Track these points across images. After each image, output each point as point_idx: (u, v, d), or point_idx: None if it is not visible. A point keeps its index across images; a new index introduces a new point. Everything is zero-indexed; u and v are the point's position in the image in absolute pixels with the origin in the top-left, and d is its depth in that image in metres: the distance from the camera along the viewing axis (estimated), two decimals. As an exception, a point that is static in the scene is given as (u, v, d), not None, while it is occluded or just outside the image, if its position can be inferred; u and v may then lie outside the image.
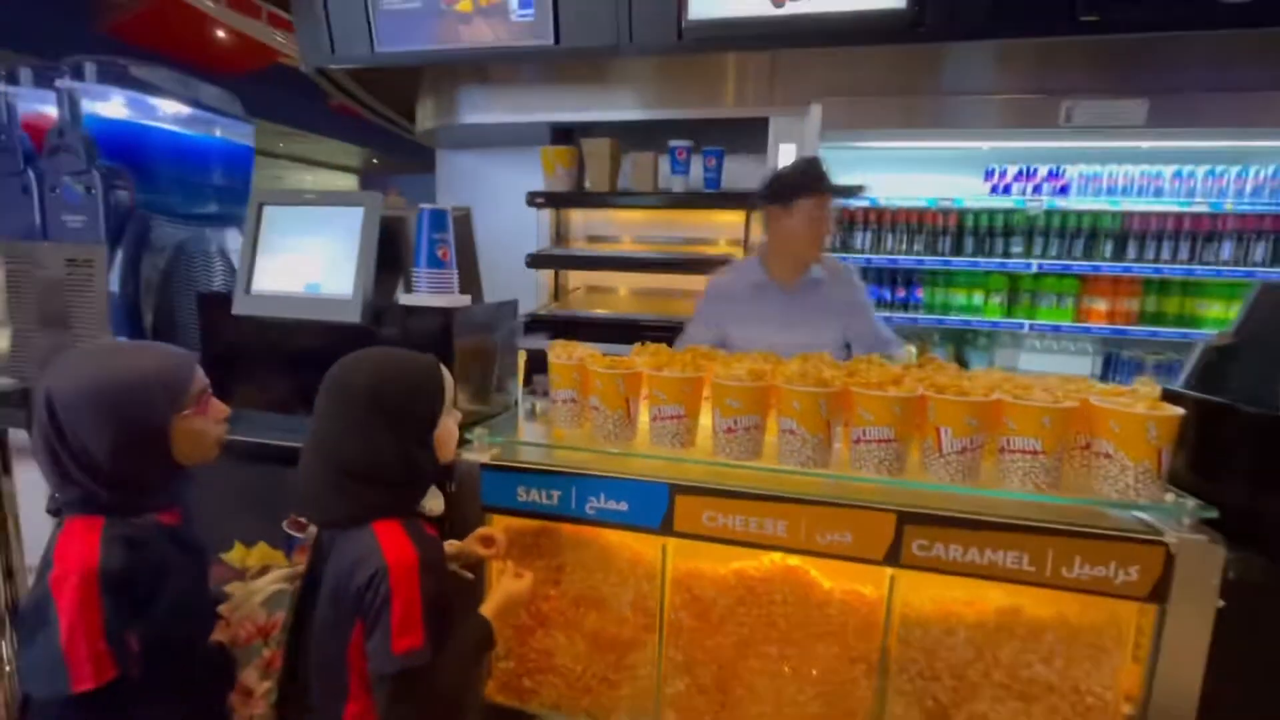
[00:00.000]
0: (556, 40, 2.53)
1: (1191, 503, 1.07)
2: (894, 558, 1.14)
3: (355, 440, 0.96)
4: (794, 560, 1.26)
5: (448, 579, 1.05)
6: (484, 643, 1.09)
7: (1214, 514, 1.06)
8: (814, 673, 1.26)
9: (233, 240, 1.88)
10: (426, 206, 1.39)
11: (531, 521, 1.37)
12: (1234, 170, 2.77)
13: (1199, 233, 2.83)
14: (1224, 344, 1.28)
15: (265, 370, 1.49)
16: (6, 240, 1.67)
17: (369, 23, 2.69)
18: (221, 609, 1.10)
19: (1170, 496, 1.09)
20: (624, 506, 1.27)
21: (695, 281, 3.36)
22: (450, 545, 1.24)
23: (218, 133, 1.95)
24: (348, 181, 16.64)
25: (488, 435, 1.37)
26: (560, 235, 3.56)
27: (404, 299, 1.44)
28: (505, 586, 1.18)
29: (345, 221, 1.43)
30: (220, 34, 7.42)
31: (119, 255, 1.62)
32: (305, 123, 10.82)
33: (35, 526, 1.69)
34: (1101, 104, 2.46)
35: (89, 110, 1.63)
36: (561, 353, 1.40)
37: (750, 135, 2.90)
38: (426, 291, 1.41)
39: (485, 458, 1.33)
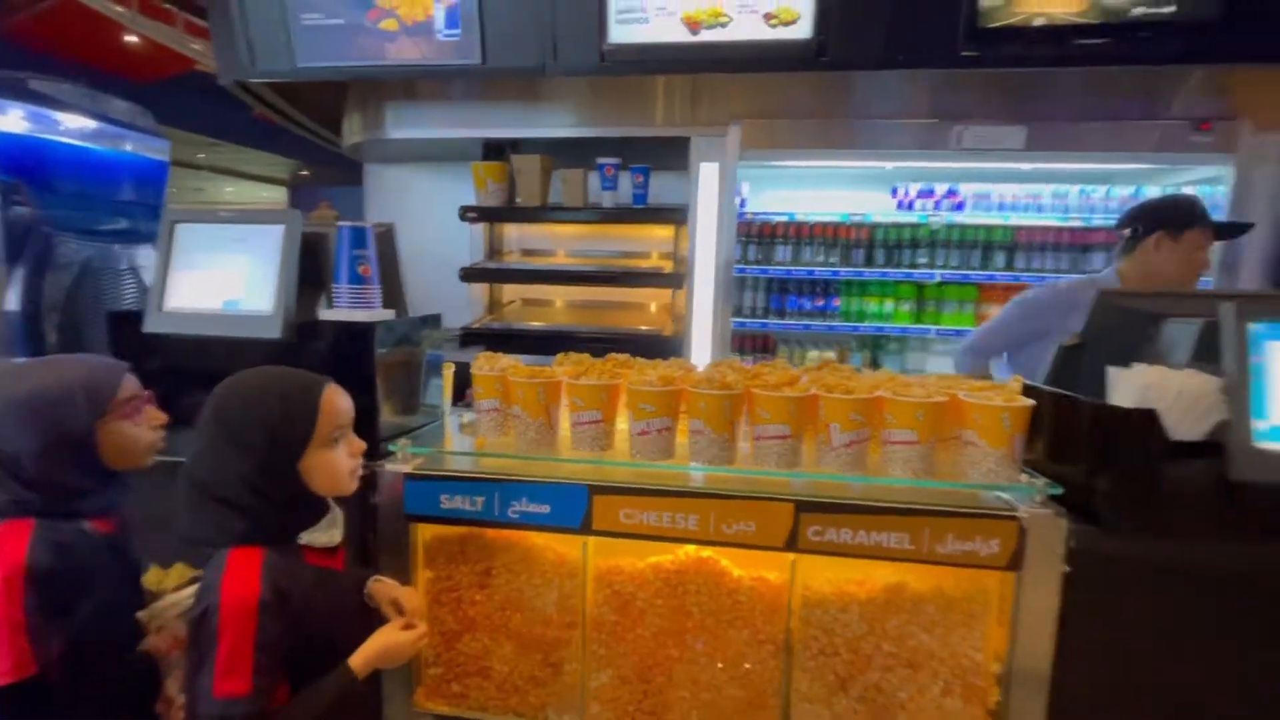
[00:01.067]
0: (483, 60, 2.59)
1: (1041, 482, 1.23)
2: (793, 544, 1.25)
3: (206, 457, 0.96)
4: (706, 552, 1.35)
5: (316, 613, 1.00)
6: (344, 695, 1.01)
7: (1059, 491, 1.22)
8: (727, 656, 1.35)
9: (144, 257, 1.84)
10: (346, 224, 1.43)
11: (457, 528, 1.41)
12: (1102, 189, 3.10)
13: (1076, 245, 3.15)
14: (1073, 344, 1.46)
15: (180, 388, 1.47)
16: (-111, 258, 1.59)
17: (289, 36, 2.67)
18: (140, 615, 1.10)
19: (1024, 478, 1.25)
20: (545, 509, 1.33)
21: (629, 294, 3.48)
22: (375, 584, 1.23)
23: (128, 147, 1.91)
24: (275, 193, 15.98)
25: (410, 446, 1.41)
26: (494, 249, 3.59)
27: (325, 314, 1.46)
28: (385, 637, 1.09)
29: (265, 239, 1.44)
30: (131, 39, 7.06)
31: (18, 272, 1.56)
32: (228, 133, 10.37)
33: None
34: (986, 130, 2.72)
35: (-14, 124, 1.57)
36: (484, 364, 1.45)
37: (675, 153, 3.03)
38: (347, 306, 1.44)
39: (408, 468, 1.37)
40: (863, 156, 2.91)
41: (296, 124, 3.63)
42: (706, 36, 2.46)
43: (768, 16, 2.42)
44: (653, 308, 3.50)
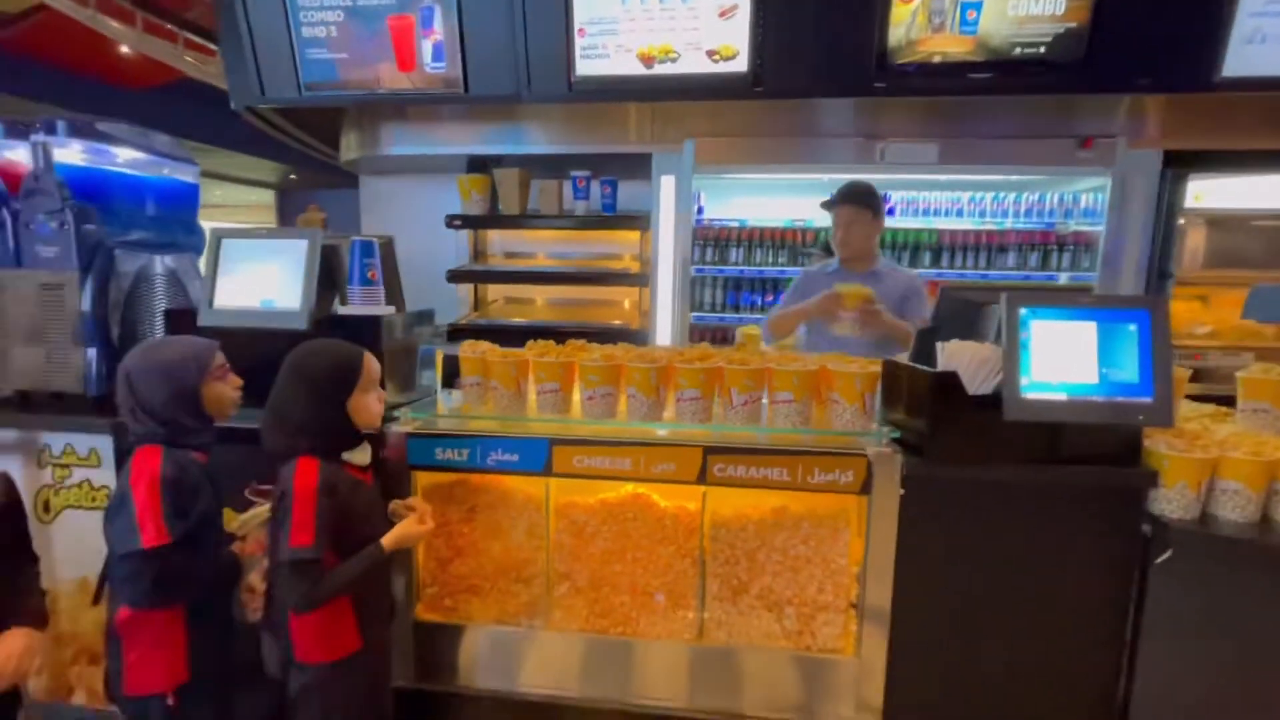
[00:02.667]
0: (466, 89, 2.97)
1: (886, 429, 1.65)
2: (703, 478, 1.66)
3: (284, 396, 1.37)
4: (641, 489, 1.76)
5: (355, 507, 1.38)
6: (374, 563, 1.38)
7: (897, 435, 1.64)
8: (657, 569, 1.75)
9: (176, 263, 2.20)
10: (358, 238, 1.82)
11: (449, 475, 1.80)
12: (1013, 195, 3.53)
13: (992, 245, 3.58)
14: (926, 328, 1.88)
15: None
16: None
17: (295, 67, 3.04)
18: (233, 527, 1.50)
19: (874, 426, 1.67)
20: (516, 458, 1.73)
21: (602, 292, 3.89)
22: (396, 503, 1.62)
23: (166, 172, 2.28)
24: (264, 196, 16.17)
25: (411, 412, 1.81)
26: (479, 252, 3.98)
27: (341, 310, 1.85)
28: (405, 527, 1.45)
29: (293, 250, 1.83)
30: (124, 50, 7.32)
31: (89, 281, 1.93)
32: (218, 139, 10.63)
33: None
34: (904, 146, 3.14)
35: (59, 159, 1.94)
36: (469, 350, 1.85)
37: (638, 166, 3.43)
38: (360, 304, 1.83)
39: (410, 428, 1.76)
40: (800, 169, 3.33)
41: (298, 140, 3.99)
42: (659, 70, 2.85)
43: (710, 53, 2.82)
44: (625, 304, 3.90)
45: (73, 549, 1.96)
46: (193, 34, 6.18)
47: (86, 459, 1.92)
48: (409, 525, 1.46)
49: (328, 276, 1.94)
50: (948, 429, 1.55)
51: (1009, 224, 3.51)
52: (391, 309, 1.91)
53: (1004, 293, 1.53)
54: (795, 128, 3.27)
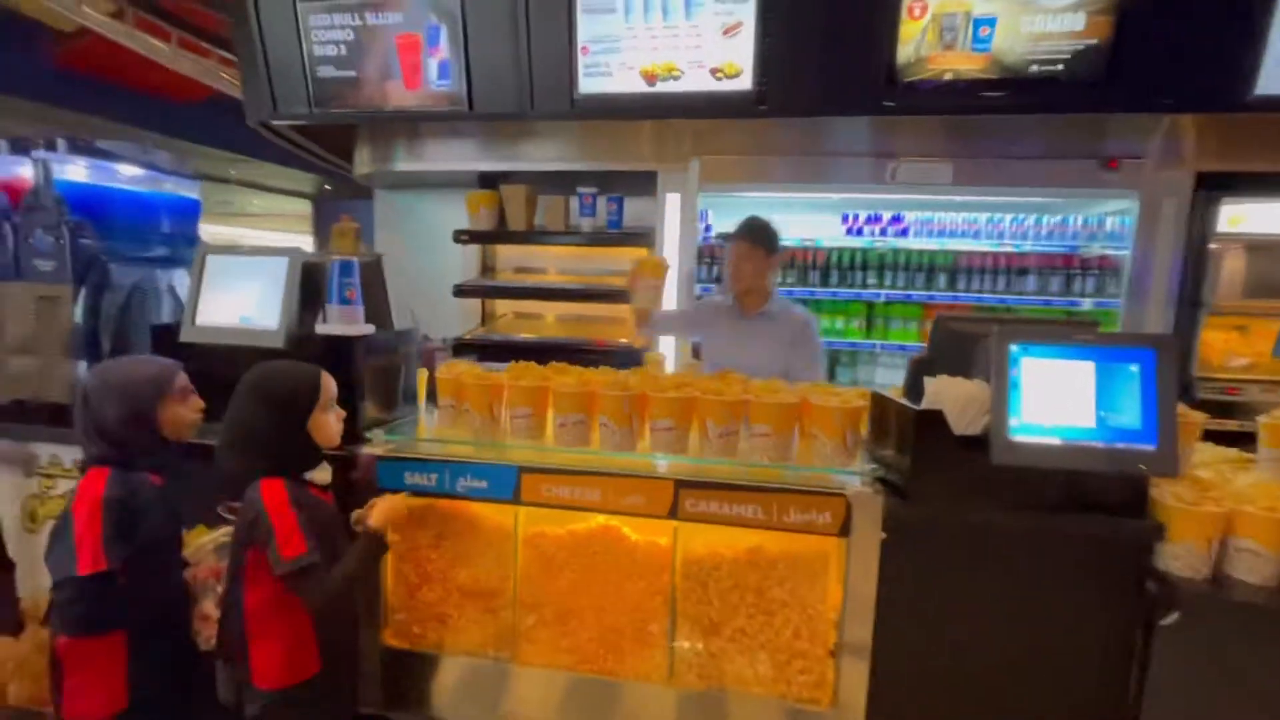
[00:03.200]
0: (470, 106, 2.98)
1: (868, 466, 1.56)
2: (674, 513, 1.59)
3: (242, 418, 1.35)
4: (613, 520, 1.69)
5: (324, 515, 1.40)
6: (374, 545, 1.43)
7: (881, 474, 1.55)
8: (626, 604, 1.68)
9: (179, 279, 2.24)
10: (337, 258, 1.81)
11: (419, 500, 1.76)
12: (1033, 218, 3.39)
13: (1011, 269, 3.44)
14: (920, 359, 1.79)
15: (206, 386, 1.85)
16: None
17: (307, 85, 3.09)
18: (185, 553, 1.48)
19: (857, 463, 1.58)
20: (484, 484, 1.68)
21: (609, 309, 3.84)
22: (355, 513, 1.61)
23: (168, 188, 2.32)
24: (300, 206, 16.64)
25: (383, 434, 1.78)
26: (487, 267, 3.98)
27: (320, 328, 1.84)
28: (383, 503, 1.50)
29: (274, 269, 1.83)
30: (169, 67, 7.65)
31: (83, 293, 1.97)
32: (257, 150, 11.01)
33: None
34: (917, 166, 3.04)
35: (59, 175, 1.99)
36: (446, 370, 1.82)
37: (645, 182, 3.39)
38: (337, 322, 1.82)
39: (380, 451, 1.73)
40: (808, 189, 3.25)
41: (314, 155, 4.07)
42: (662, 88, 2.82)
43: (714, 71, 2.77)
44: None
45: (56, 559, 1.98)
46: (227, 51, 6.39)
47: (70, 471, 1.94)
48: (384, 500, 1.50)
49: (312, 295, 1.94)
50: (932, 470, 1.46)
51: (1029, 246, 3.37)
52: (371, 328, 1.89)
53: (995, 326, 1.43)
54: (804, 146, 3.19)
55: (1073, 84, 2.52)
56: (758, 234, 2.48)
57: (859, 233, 3.57)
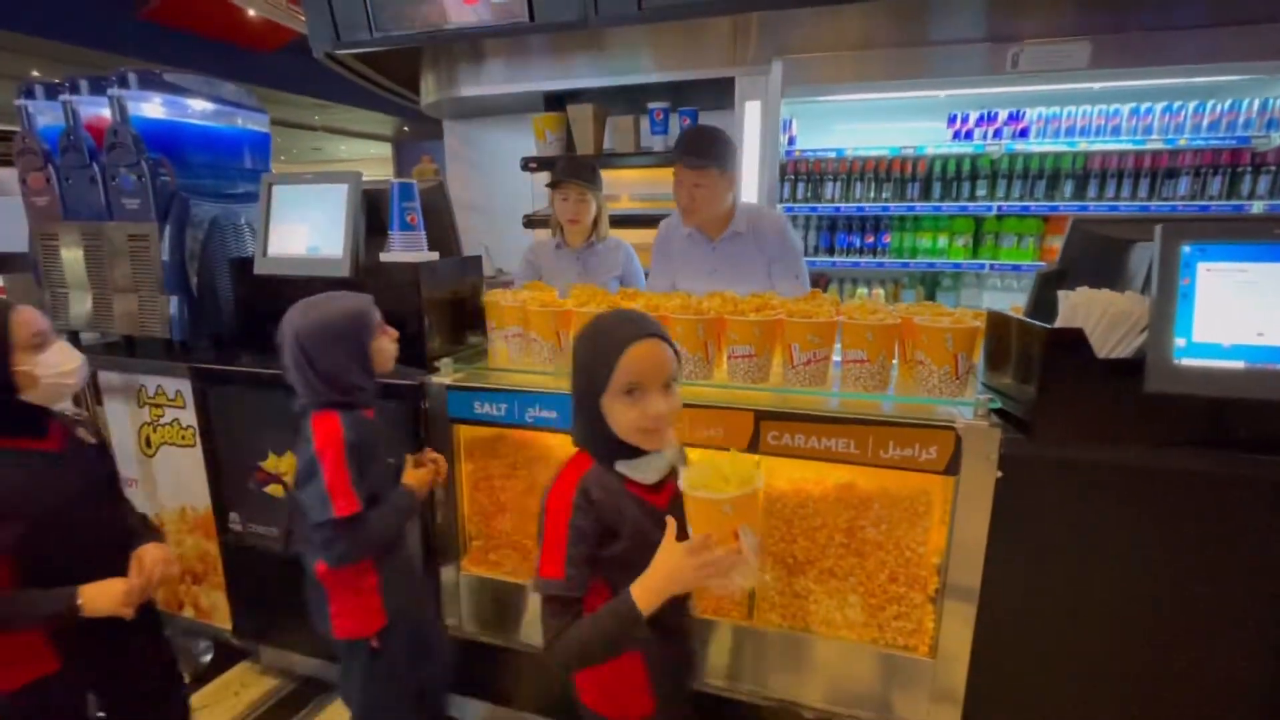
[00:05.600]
0: (531, 17, 2.78)
1: (983, 398, 1.35)
2: (754, 446, 1.45)
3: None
4: (691, 454, 1.58)
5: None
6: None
7: (996, 406, 1.34)
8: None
9: (248, 211, 2.26)
10: (396, 180, 1.73)
11: (492, 429, 1.73)
12: (1192, 105, 2.83)
13: (1157, 170, 2.92)
14: (1050, 271, 1.51)
15: (279, 316, 1.87)
16: (83, 223, 2.10)
17: (366, 8, 2.98)
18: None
19: (969, 393, 1.37)
20: (554, 414, 1.61)
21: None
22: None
23: (239, 122, 2.31)
24: (381, 149, 17.09)
25: (452, 364, 1.73)
26: (558, 196, 3.85)
27: (383, 256, 1.79)
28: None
29: (334, 195, 1.78)
30: (251, 13, 7.81)
31: (167, 230, 2.01)
32: (338, 95, 11.25)
33: (120, 443, 2.16)
34: (1045, 48, 2.57)
35: (135, 112, 2.00)
36: (510, 298, 1.74)
37: (721, 95, 3.10)
38: (400, 250, 1.76)
39: (449, 380, 1.69)
40: (908, 86, 2.84)
41: (381, 88, 4.01)
42: (740, -25, 2.49)
43: (800, -51, 2.41)
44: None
45: (171, 480, 2.14)
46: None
47: (174, 400, 2.04)
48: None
49: (377, 223, 1.89)
50: (1064, 400, 1.23)
51: (1183, 142, 2.83)
52: (434, 255, 1.82)
53: (1159, 225, 1.15)
54: (904, 36, 2.78)
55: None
56: (704, 149, 2.05)
57: (968, 136, 3.13)
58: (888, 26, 2.78)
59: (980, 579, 1.36)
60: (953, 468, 1.33)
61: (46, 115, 2.18)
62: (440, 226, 2.02)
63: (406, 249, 1.76)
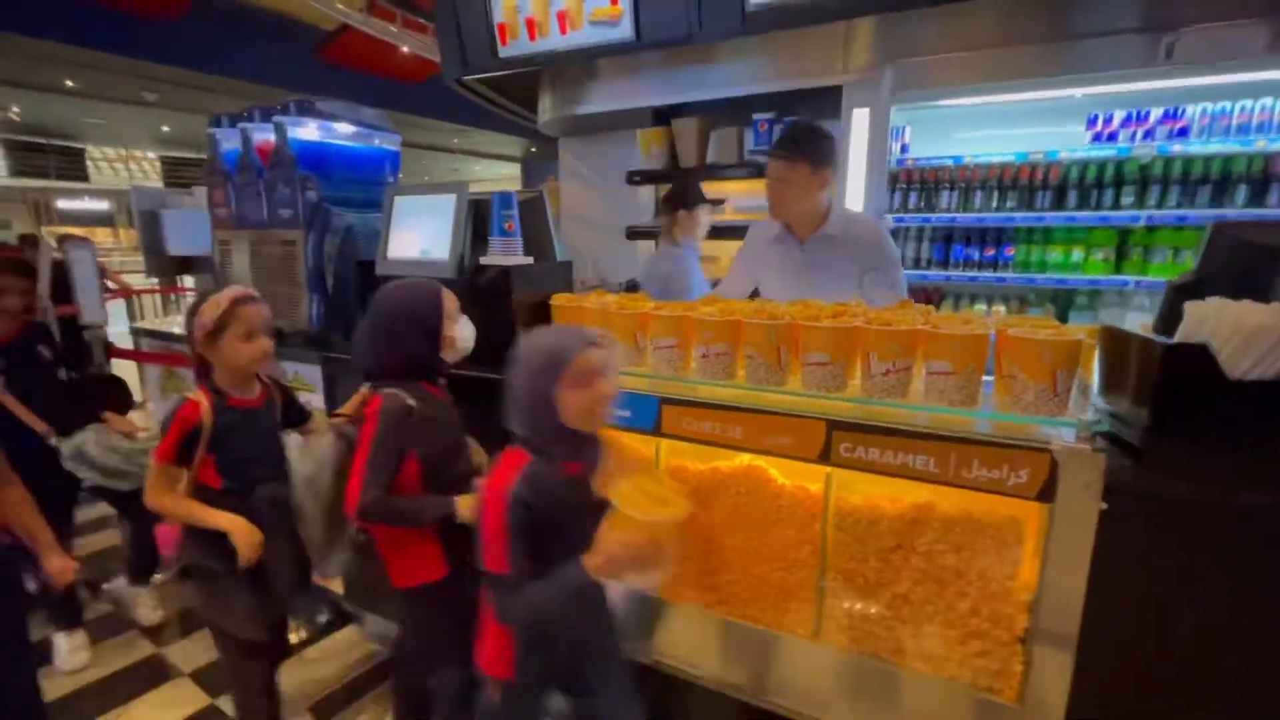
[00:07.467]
0: (638, 37, 2.89)
1: (1088, 419, 1.21)
2: (826, 457, 1.40)
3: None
4: (759, 461, 1.56)
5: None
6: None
7: (1104, 428, 1.19)
8: (772, 551, 1.55)
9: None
10: (497, 191, 1.87)
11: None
12: None
13: (1362, 170, 2.46)
14: (1184, 283, 1.33)
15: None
16: (249, 230, 2.47)
17: (491, 38, 3.25)
18: None
19: (1069, 412, 1.23)
20: (628, 414, 1.65)
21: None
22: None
23: (376, 142, 2.61)
24: (511, 169, 18.36)
25: (538, 361, 1.83)
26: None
27: (483, 260, 1.94)
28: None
29: (444, 205, 1.96)
30: (404, 50, 8.82)
31: (310, 237, 2.32)
32: (472, 120, 12.33)
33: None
34: (1207, 34, 2.26)
35: (292, 135, 2.34)
36: (594, 300, 1.81)
37: (828, 104, 3.02)
38: (498, 254, 1.90)
39: (533, 376, 1.79)
40: (1038, 85, 2.61)
41: (506, 110, 4.33)
42: (845, -18, 2.44)
43: (912, -51, 2.32)
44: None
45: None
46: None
47: (309, 386, 2.33)
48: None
49: (482, 230, 2.05)
50: (1184, 426, 1.08)
51: (1399, 136, 2.36)
52: (528, 259, 1.94)
53: (1314, 225, 0.98)
54: (1032, 32, 2.56)
55: None
56: (798, 145, 2.01)
57: (1112, 138, 2.82)
58: (1012, 23, 2.59)
59: (1079, 624, 1.21)
60: (1046, 494, 1.21)
61: (230, 141, 2.60)
62: (536, 233, 2.15)
63: (502, 253, 1.89)
